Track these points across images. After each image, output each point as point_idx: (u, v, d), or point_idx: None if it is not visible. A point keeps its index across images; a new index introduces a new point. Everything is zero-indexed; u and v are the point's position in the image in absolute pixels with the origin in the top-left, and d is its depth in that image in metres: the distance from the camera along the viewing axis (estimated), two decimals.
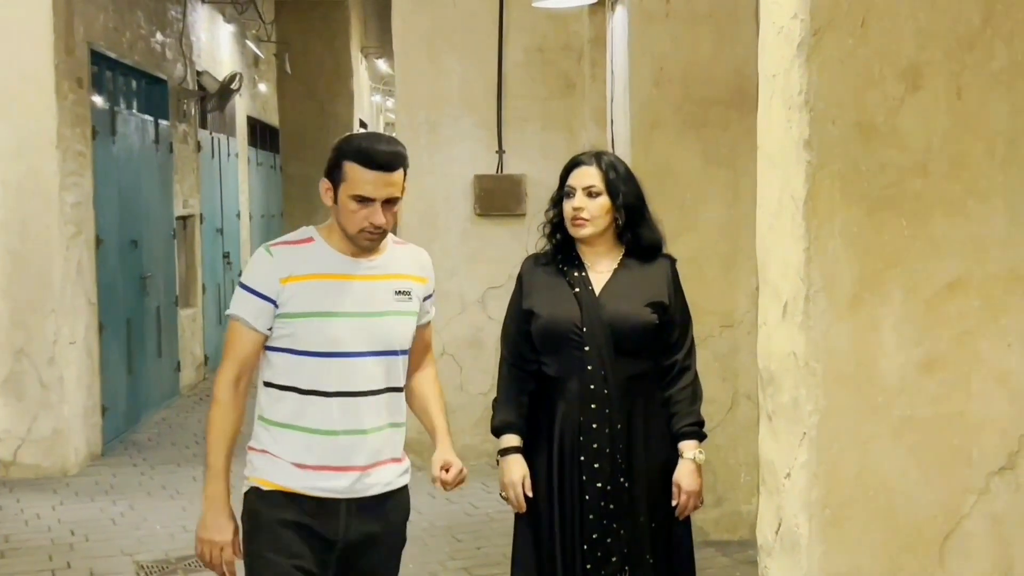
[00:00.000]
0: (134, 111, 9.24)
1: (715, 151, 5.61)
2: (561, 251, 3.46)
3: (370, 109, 18.57)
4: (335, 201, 3.03)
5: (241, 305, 3.08)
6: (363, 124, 17.07)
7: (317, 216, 16.32)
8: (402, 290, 3.11)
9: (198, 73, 10.81)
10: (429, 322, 3.32)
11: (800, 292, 2.92)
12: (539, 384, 3.43)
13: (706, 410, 5.45)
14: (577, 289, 3.37)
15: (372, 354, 3.05)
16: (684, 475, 3.34)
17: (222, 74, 11.50)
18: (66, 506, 6.82)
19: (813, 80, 2.89)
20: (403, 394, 3.20)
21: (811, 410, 2.91)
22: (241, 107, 13.23)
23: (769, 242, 3.18)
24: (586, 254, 3.44)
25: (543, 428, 3.40)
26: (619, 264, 3.42)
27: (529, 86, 7.35)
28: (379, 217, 2.98)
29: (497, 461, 3.46)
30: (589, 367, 3.32)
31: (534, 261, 3.50)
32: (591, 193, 3.37)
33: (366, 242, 3.04)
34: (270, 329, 3.07)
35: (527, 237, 7.31)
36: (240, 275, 3.23)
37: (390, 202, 3.01)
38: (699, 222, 5.66)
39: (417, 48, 7.31)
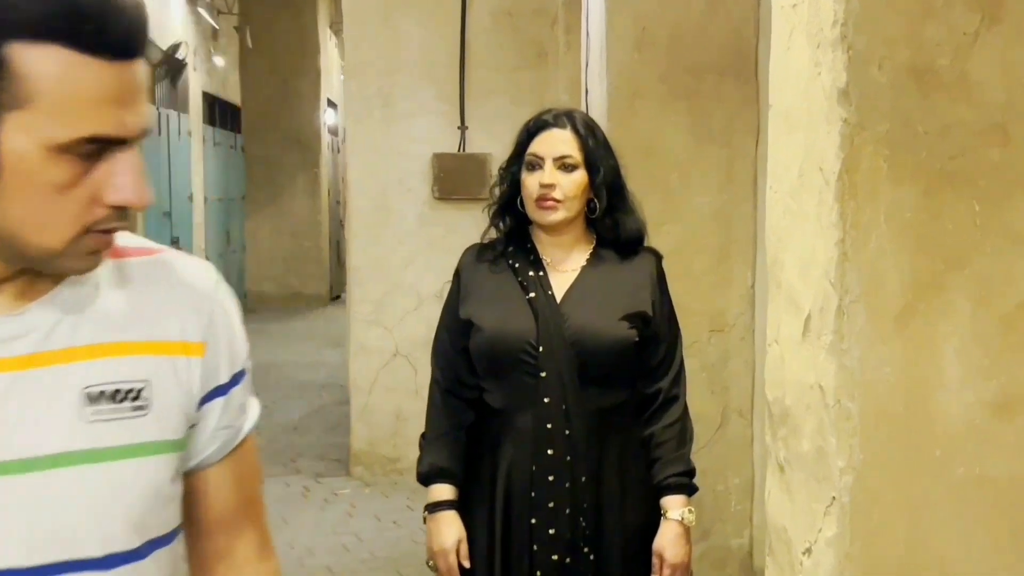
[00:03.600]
0: None
1: (706, 126, 4.79)
2: (512, 241, 2.64)
3: (339, 88, 17.69)
4: None
5: None
6: (332, 103, 16.20)
7: (282, 199, 15.52)
8: (112, 388, 1.30)
9: None
10: (244, 443, 1.50)
11: (830, 302, 2.11)
12: (480, 417, 2.62)
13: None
14: (532, 294, 2.55)
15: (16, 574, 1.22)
16: (668, 541, 2.53)
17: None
18: None
19: (852, 7, 2.07)
20: None
21: (844, 467, 2.10)
22: (196, 82, 12.35)
23: (784, 232, 2.37)
24: (546, 246, 2.62)
25: (483, 477, 2.59)
26: (589, 261, 2.61)
27: (496, 54, 6.53)
28: (132, 185, 1.21)
29: (424, 518, 2.64)
30: (546, 399, 2.50)
31: (476, 254, 2.69)
32: (565, 166, 2.56)
33: (90, 261, 1.26)
34: None
35: None
36: None
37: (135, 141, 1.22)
38: (686, 209, 4.84)
39: (369, 9, 6.48)
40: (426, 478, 2.66)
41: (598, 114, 5.01)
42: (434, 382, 2.70)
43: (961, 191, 2.07)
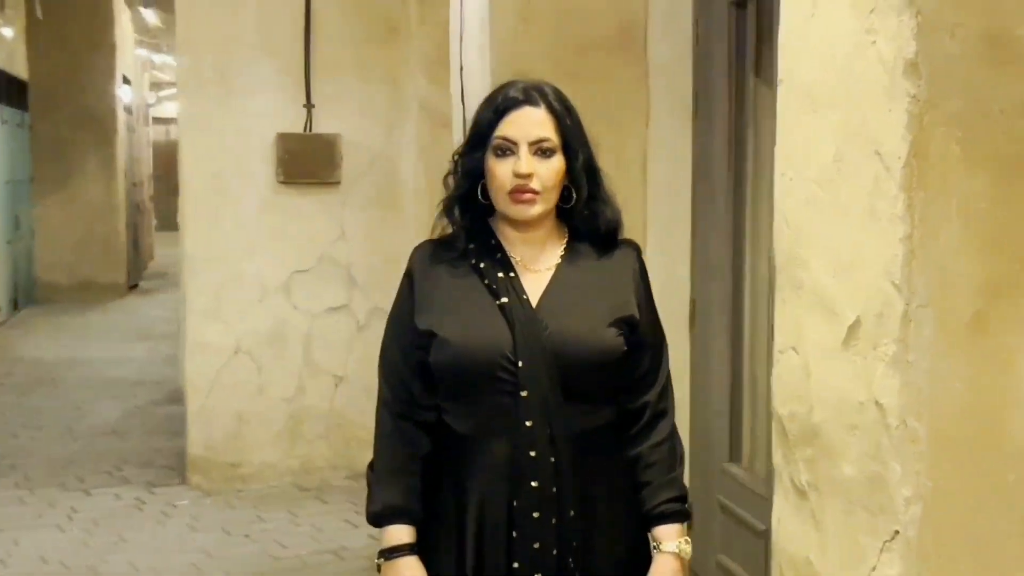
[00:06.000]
0: None
1: (595, 107, 4.40)
2: (472, 237, 2.25)
3: (134, 64, 16.72)
4: None
5: None
6: (127, 80, 15.25)
7: (73, 182, 14.49)
8: None
9: None
10: None
11: (892, 307, 1.82)
12: (438, 443, 2.23)
13: None
14: (504, 299, 2.17)
15: None
16: None
17: None
18: None
19: None
20: None
21: (910, 496, 1.82)
22: None
23: (807, 224, 2.08)
24: (514, 243, 2.25)
25: (447, 515, 2.21)
26: (564, 258, 2.25)
27: (344, 26, 6.05)
28: None
29: (378, 566, 2.24)
30: (528, 422, 2.13)
31: (431, 252, 2.28)
32: (542, 151, 2.18)
33: None
34: None
35: (342, 211, 6.06)
36: None
37: None
38: None
39: None
40: (379, 518, 2.25)
41: (477, 93, 4.65)
42: (383, 405, 2.29)
43: None
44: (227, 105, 5.97)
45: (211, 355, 6.03)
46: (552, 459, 2.14)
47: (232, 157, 6.00)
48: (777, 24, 2.19)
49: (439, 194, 2.33)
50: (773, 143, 2.23)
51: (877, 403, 1.86)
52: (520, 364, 2.13)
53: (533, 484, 2.13)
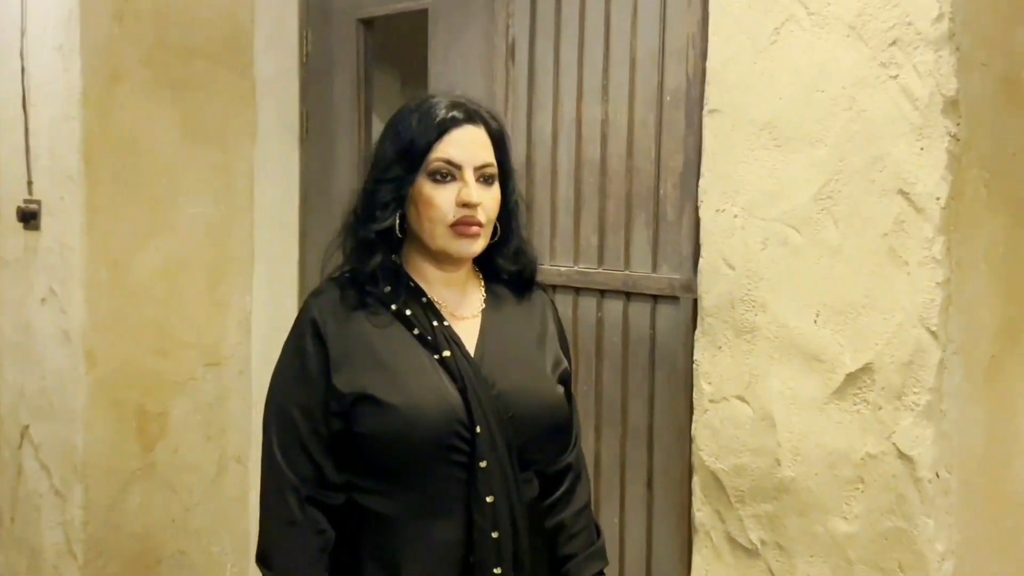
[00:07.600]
0: None
1: (199, 121, 3.99)
2: (390, 281, 1.83)
3: None
4: None
5: None
6: None
7: None
8: None
9: None
10: None
11: (928, 354, 1.74)
12: (352, 525, 1.80)
13: (185, 480, 3.90)
14: (446, 352, 1.78)
15: None
16: None
17: None
18: None
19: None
20: None
21: (943, 551, 1.74)
22: None
23: (771, 266, 1.94)
24: (434, 286, 1.85)
25: None
26: (487, 303, 1.90)
27: None
28: None
29: None
30: (488, 498, 1.76)
31: (340, 297, 1.82)
32: (485, 177, 1.81)
33: None
34: None
35: None
36: None
37: None
38: (178, 219, 4.00)
39: None
40: None
41: (62, 100, 4.00)
42: (285, 487, 1.77)
43: None
44: None
45: None
46: (512, 539, 1.80)
47: None
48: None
49: None
50: None
51: (902, 455, 1.76)
52: (478, 430, 1.77)
53: (496, 571, 1.77)
